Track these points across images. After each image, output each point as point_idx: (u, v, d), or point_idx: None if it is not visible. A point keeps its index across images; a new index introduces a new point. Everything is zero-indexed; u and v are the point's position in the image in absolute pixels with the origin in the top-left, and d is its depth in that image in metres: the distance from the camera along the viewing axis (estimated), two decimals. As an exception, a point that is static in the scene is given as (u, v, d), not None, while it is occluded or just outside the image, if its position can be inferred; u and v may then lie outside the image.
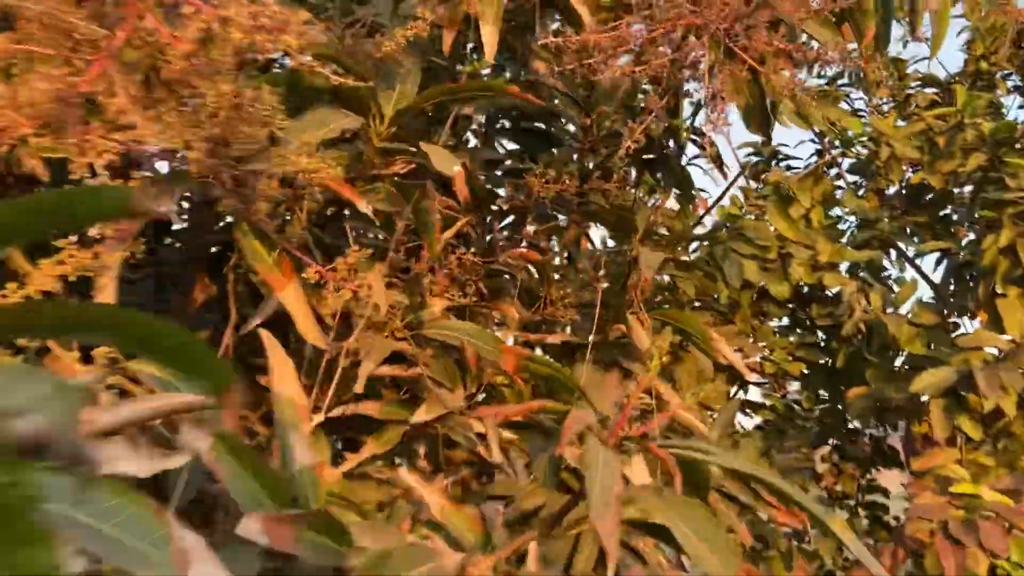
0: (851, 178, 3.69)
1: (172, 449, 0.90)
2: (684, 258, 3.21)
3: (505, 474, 1.58)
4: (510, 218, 1.92)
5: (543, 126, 2.12)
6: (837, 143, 3.51)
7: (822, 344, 3.47)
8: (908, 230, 3.59)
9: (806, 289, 3.41)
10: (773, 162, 3.91)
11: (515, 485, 1.44)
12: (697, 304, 3.21)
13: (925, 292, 4.88)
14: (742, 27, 1.16)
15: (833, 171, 3.59)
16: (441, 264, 1.70)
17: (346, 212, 1.54)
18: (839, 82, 3.98)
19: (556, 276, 2.10)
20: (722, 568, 0.76)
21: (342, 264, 1.02)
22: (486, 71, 2.28)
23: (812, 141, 4.07)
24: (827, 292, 3.46)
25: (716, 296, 2.87)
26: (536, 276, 1.86)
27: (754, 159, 3.96)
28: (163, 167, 1.13)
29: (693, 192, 1.91)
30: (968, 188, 3.54)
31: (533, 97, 1.25)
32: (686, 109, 1.66)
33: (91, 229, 1.01)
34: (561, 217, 1.99)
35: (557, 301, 1.86)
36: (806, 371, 3.48)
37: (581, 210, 1.82)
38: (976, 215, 3.28)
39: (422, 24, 1.19)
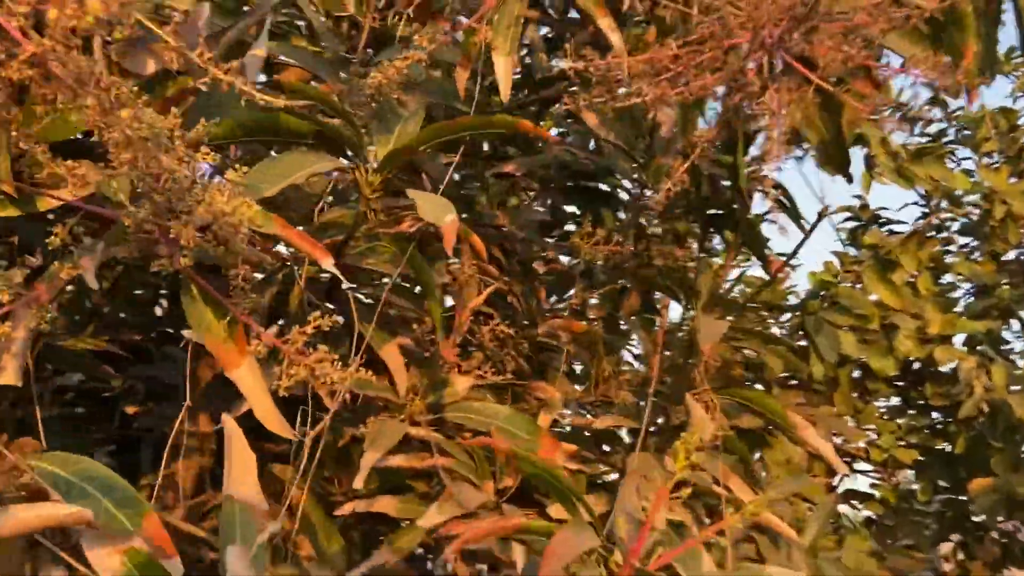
0: (962, 240, 3.33)
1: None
2: (772, 330, 2.91)
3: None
4: (561, 285, 1.71)
5: (604, 186, 1.91)
6: (943, 203, 3.17)
7: (938, 427, 3.08)
8: (1031, 298, 3.19)
9: (917, 364, 3.05)
10: (874, 226, 3.59)
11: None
12: (792, 382, 2.90)
13: (1056, 367, 4.36)
14: (801, 33, 0.93)
15: (941, 234, 3.25)
16: (473, 336, 1.49)
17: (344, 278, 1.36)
18: (944, 140, 3.67)
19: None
20: None
21: (297, 335, 0.82)
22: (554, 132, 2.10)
23: (917, 204, 3.74)
24: (941, 368, 3.08)
25: (810, 374, 2.56)
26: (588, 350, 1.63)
27: (852, 223, 3.65)
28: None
29: (767, 252, 1.65)
30: (1099, 249, 3.15)
31: (547, 133, 1.05)
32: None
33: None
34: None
35: (611, 379, 1.62)
36: (920, 458, 3.08)
37: (635, 274, 1.59)
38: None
39: (417, 54, 1.02)
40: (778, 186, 1.54)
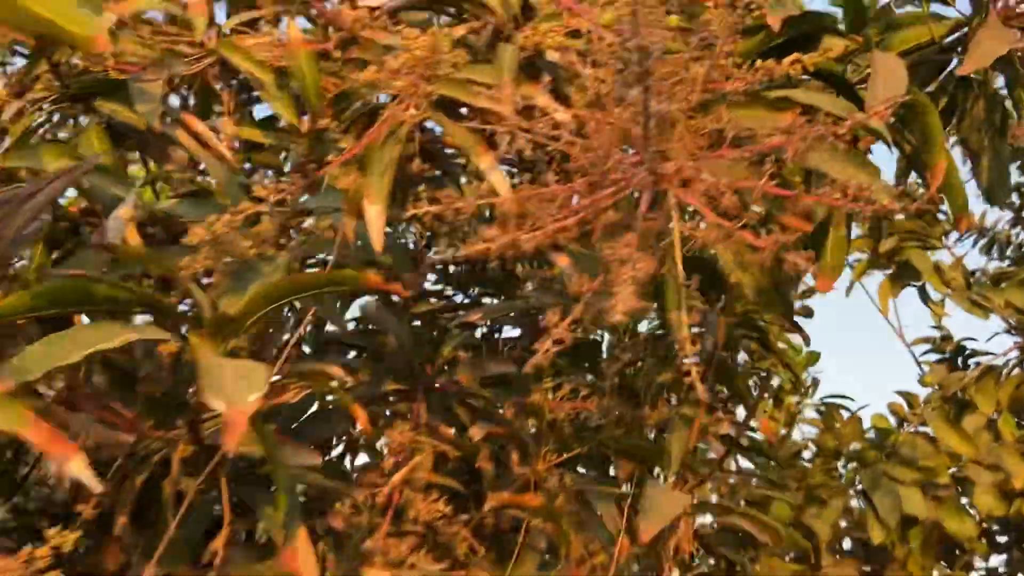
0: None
1: None
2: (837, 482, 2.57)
3: None
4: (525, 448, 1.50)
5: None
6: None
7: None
8: None
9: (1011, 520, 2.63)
10: (959, 360, 3.23)
11: None
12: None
13: None
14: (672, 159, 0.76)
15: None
16: (399, 518, 1.30)
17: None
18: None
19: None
20: None
21: (22, 560, 0.66)
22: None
23: (1009, 332, 3.38)
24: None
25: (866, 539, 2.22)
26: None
27: (933, 356, 3.31)
28: None
29: (757, 406, 1.41)
30: None
31: (399, 288, 0.89)
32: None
33: None
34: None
35: (586, 561, 1.38)
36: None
37: (605, 434, 1.38)
38: None
39: (267, 189, 0.89)
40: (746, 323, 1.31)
